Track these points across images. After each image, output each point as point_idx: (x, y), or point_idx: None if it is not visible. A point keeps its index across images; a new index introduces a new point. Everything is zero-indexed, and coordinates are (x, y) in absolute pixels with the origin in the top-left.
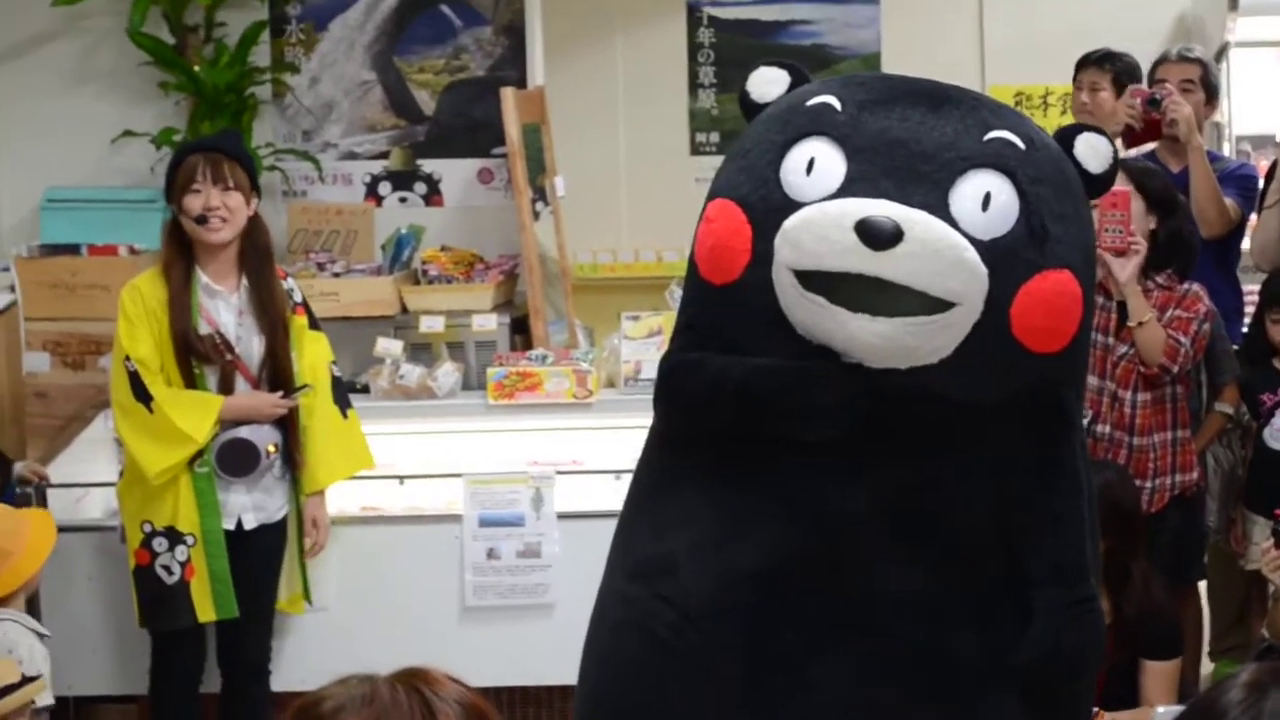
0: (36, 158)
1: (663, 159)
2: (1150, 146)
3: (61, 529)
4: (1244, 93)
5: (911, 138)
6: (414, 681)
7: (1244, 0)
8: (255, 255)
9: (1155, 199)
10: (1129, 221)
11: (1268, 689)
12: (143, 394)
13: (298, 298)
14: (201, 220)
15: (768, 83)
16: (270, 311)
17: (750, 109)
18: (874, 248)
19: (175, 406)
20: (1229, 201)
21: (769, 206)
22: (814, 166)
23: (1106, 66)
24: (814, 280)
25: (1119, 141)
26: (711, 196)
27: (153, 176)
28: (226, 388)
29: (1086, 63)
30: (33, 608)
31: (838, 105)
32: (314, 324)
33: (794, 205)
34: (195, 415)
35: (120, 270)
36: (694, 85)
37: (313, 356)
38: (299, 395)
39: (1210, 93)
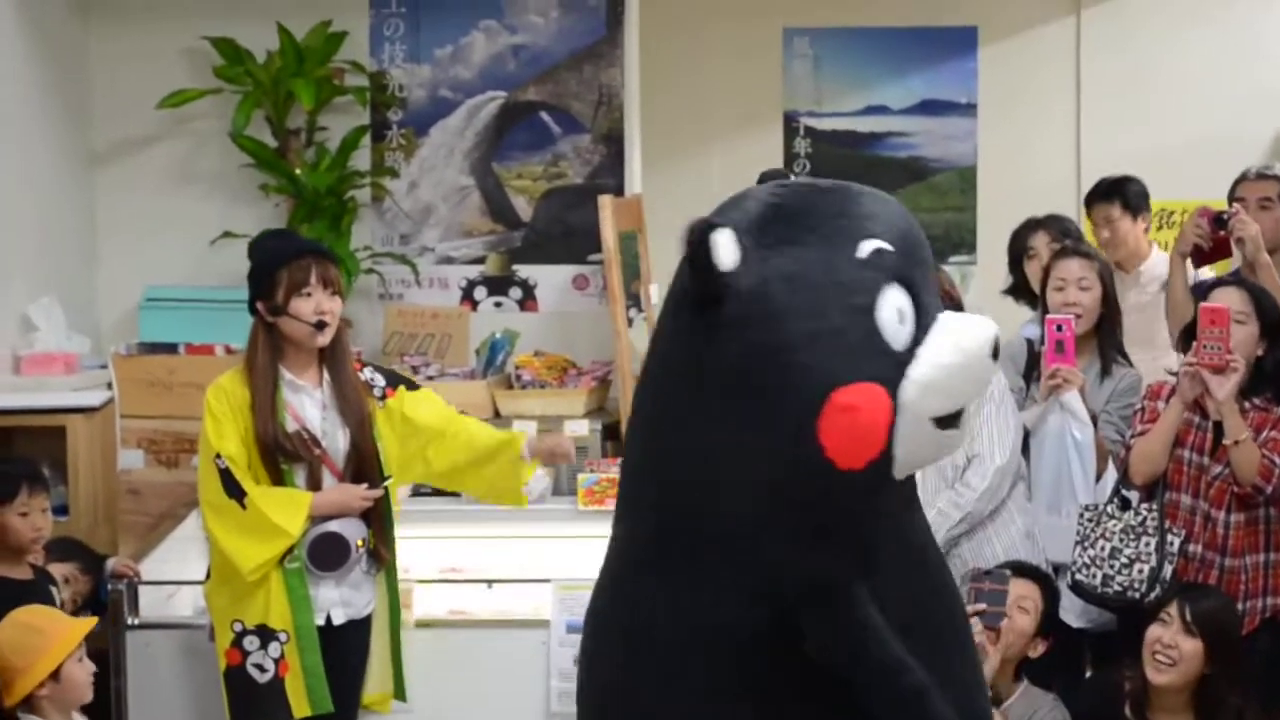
0: (138, 256)
1: None
2: (1233, 264)
3: (151, 626)
4: None
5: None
6: None
7: None
8: (336, 350)
9: (1269, 324)
10: (1228, 339)
11: None
12: (235, 490)
13: (380, 383)
14: (320, 325)
15: (730, 244)
16: (354, 404)
17: (713, 279)
18: None
19: (268, 502)
20: None
21: (896, 375)
22: (903, 315)
23: (1114, 198)
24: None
25: (1188, 262)
26: (817, 391)
27: None
28: (314, 483)
29: (1093, 199)
30: (120, 705)
31: (888, 246)
32: (412, 385)
33: (906, 358)
34: (288, 510)
35: (216, 369)
36: None
37: (430, 404)
38: (385, 486)
39: None
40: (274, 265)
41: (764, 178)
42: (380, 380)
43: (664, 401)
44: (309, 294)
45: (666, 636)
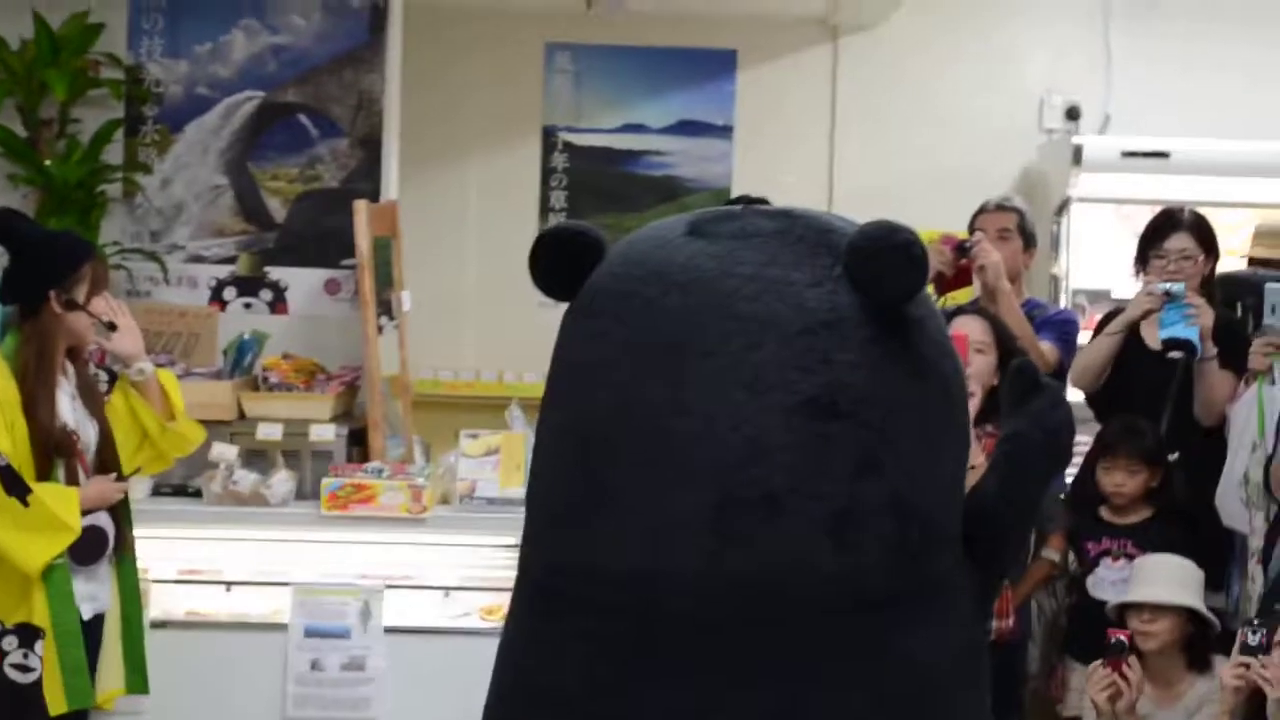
0: None
1: (510, 280)
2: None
3: None
4: (1084, 248)
5: None
6: None
7: (1087, 156)
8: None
9: (1007, 353)
10: (965, 367)
11: None
12: (17, 487)
13: (104, 377)
14: (112, 327)
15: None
16: (97, 396)
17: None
18: None
19: (50, 497)
20: (1046, 345)
21: None
22: None
23: None
24: None
25: (930, 288)
26: None
27: None
28: (72, 478)
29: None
30: None
31: None
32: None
33: None
34: (67, 505)
35: None
36: (544, 209)
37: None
38: (131, 477)
39: (1028, 240)
40: (80, 259)
41: (742, 201)
42: (103, 375)
43: None
44: (104, 294)
45: None
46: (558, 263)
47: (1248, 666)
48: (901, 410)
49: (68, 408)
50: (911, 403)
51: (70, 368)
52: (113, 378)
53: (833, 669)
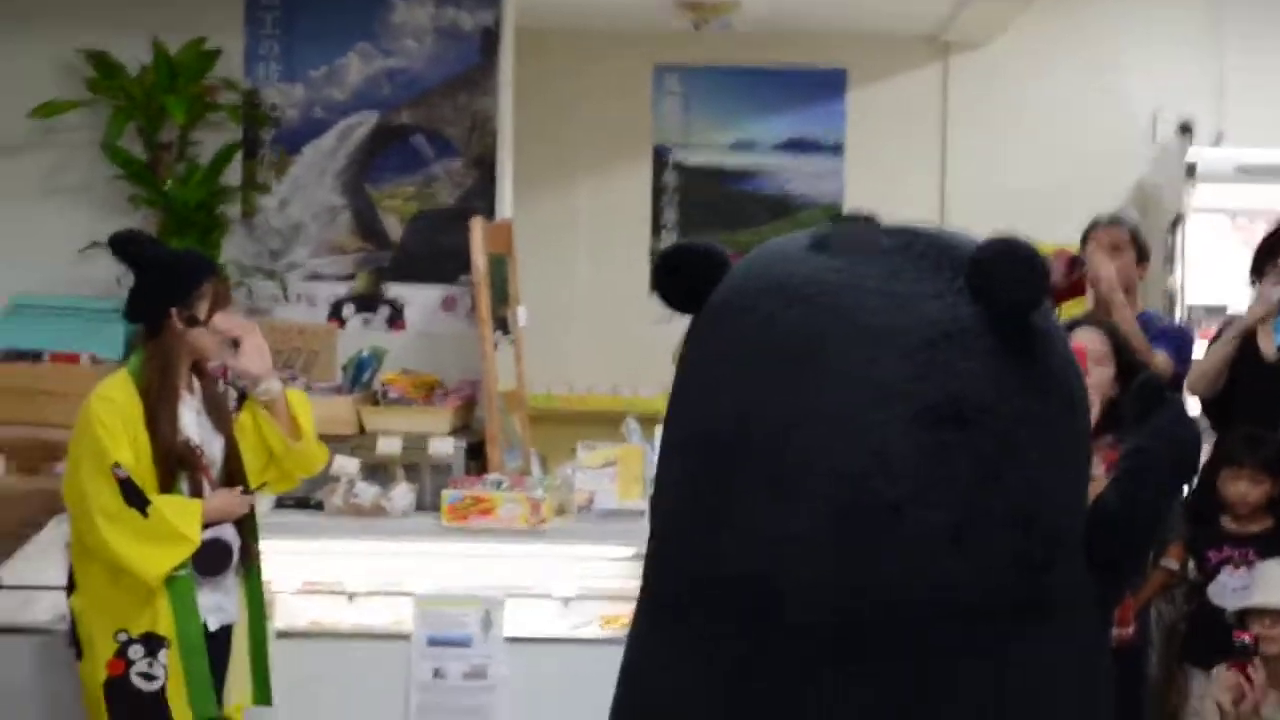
0: (4, 264)
1: (623, 296)
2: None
3: (8, 631)
4: (1199, 263)
5: None
6: None
7: (1201, 170)
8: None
9: (1125, 364)
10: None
11: None
12: (137, 499)
13: (233, 394)
14: (236, 343)
15: None
16: (224, 412)
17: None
18: None
19: (171, 509)
20: (1160, 356)
21: None
22: None
23: None
24: None
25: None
26: None
27: (118, 288)
28: (196, 491)
29: None
30: None
31: None
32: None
33: None
34: (188, 517)
35: (81, 379)
36: (656, 226)
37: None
38: (257, 493)
39: (1141, 253)
40: (201, 277)
41: (851, 218)
42: (234, 392)
43: None
44: (224, 312)
45: None
46: (683, 278)
47: None
48: (1025, 421)
49: (193, 423)
50: (1035, 414)
51: (197, 384)
52: (242, 396)
53: (953, 677)
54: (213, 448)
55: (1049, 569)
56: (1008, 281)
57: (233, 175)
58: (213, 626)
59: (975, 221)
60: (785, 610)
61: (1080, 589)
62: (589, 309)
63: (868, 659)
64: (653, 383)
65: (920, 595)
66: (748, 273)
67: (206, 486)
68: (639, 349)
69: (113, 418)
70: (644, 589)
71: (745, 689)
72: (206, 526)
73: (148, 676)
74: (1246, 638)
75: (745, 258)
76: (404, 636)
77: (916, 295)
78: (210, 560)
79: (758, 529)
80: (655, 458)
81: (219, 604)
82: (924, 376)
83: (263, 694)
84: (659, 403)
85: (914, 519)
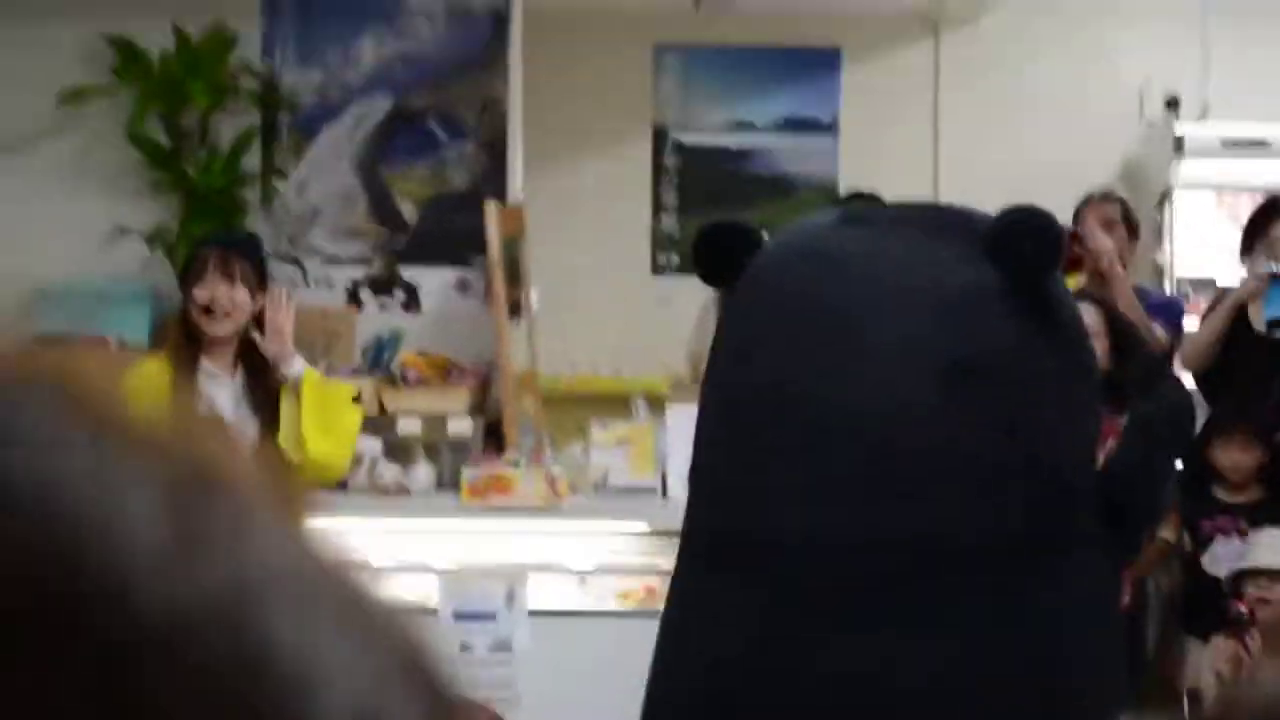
0: (30, 251)
1: (625, 277)
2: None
3: None
4: (1188, 237)
5: None
6: None
7: (1188, 145)
8: (255, 347)
9: (1119, 338)
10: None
11: None
12: None
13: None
14: (207, 311)
15: None
16: (265, 393)
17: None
18: None
19: None
20: (1156, 328)
21: None
22: None
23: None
24: None
25: None
26: None
27: (143, 273)
28: None
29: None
30: None
31: None
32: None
33: None
34: None
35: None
36: (657, 208)
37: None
38: None
39: (1132, 229)
40: (190, 253)
41: (856, 198)
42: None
43: None
44: (205, 283)
45: None
46: (719, 253)
47: None
48: (1042, 376)
49: (228, 404)
50: (1051, 371)
51: (241, 366)
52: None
53: (976, 618)
54: (247, 429)
55: (1065, 516)
56: (1026, 247)
57: (252, 160)
58: None
59: (968, 197)
60: (822, 559)
61: (1092, 538)
62: (590, 290)
63: (901, 603)
64: (655, 363)
65: (948, 540)
66: (780, 244)
67: None
68: (641, 329)
69: (143, 388)
70: (683, 543)
71: (788, 638)
72: None
73: None
74: (1242, 607)
75: (778, 233)
76: (429, 611)
77: (942, 261)
78: None
79: (794, 481)
80: (667, 436)
81: None
82: (950, 334)
83: None
84: (661, 384)
85: (940, 468)
